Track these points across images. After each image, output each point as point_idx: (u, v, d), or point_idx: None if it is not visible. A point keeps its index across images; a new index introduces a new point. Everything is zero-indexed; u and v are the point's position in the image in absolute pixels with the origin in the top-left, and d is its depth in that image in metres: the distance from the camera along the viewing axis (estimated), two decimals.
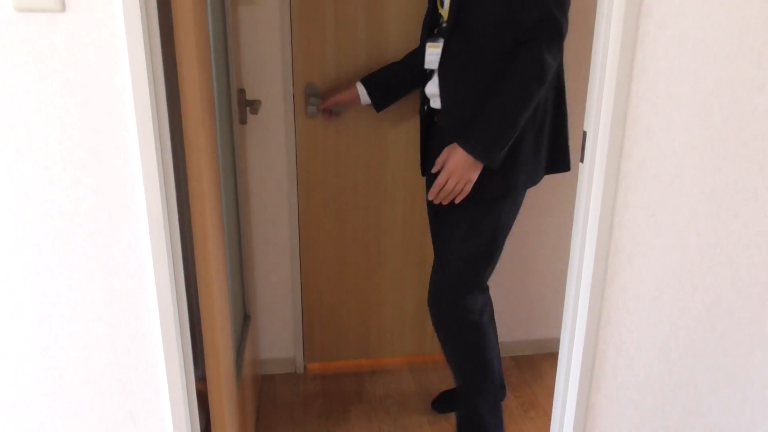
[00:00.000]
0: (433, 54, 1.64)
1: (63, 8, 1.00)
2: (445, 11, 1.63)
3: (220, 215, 1.41)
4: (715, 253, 1.31)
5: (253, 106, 1.93)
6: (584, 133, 1.27)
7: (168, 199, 1.12)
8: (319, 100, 2.02)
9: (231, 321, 1.55)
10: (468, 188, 1.58)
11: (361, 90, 1.93)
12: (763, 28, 1.17)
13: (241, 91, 1.87)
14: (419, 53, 1.79)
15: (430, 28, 1.70)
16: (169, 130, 1.09)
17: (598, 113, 1.21)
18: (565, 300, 1.37)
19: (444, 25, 1.63)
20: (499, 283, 2.41)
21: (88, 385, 1.20)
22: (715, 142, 1.23)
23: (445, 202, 1.62)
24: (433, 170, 1.62)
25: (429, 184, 1.80)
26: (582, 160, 1.30)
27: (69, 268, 1.12)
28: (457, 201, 1.61)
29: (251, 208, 2.17)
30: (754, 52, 1.18)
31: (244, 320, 2.04)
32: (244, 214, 1.95)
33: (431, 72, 1.68)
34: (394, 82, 1.93)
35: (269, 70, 2.04)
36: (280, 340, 2.35)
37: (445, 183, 1.58)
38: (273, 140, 2.10)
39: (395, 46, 2.05)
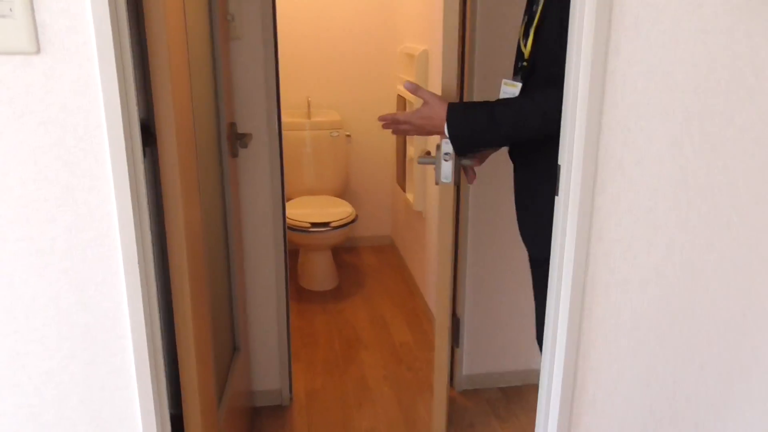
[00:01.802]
0: (507, 93, 1.57)
1: (38, 50, 1.01)
2: (526, 50, 1.55)
3: (200, 250, 1.41)
4: (693, 284, 1.32)
5: (243, 139, 1.95)
6: (558, 167, 1.29)
7: (143, 238, 1.12)
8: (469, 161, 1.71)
9: (213, 354, 1.54)
10: (405, 130, 1.55)
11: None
12: (729, 62, 1.19)
13: (232, 125, 1.89)
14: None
15: (515, 62, 1.60)
16: (143, 168, 1.11)
17: (571, 147, 1.23)
18: (545, 332, 1.37)
19: (523, 65, 1.55)
20: (486, 314, 2.40)
21: (62, 422, 1.19)
22: (688, 174, 1.25)
23: (384, 128, 1.59)
24: (409, 90, 1.56)
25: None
26: (557, 194, 1.31)
27: (43, 306, 1.13)
28: (388, 129, 1.53)
29: (244, 241, 2.18)
30: (721, 85, 1.20)
31: (232, 353, 2.03)
32: (235, 247, 1.95)
33: None
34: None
35: (258, 104, 2.06)
36: (266, 372, 2.34)
37: (404, 120, 1.54)
38: (260, 173, 2.12)
39: None
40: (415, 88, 1.55)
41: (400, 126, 1.57)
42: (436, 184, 1.70)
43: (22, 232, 1.09)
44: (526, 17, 1.56)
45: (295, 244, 3.51)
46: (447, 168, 1.65)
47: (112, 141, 1.05)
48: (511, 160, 1.64)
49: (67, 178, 1.07)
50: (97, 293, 1.13)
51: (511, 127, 1.47)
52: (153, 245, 1.15)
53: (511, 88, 1.55)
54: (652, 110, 1.20)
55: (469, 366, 2.48)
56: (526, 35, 1.54)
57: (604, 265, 1.28)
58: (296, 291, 3.57)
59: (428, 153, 1.80)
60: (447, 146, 1.58)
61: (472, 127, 1.50)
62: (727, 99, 1.21)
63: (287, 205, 3.63)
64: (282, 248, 2.21)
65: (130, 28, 1.06)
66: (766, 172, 1.28)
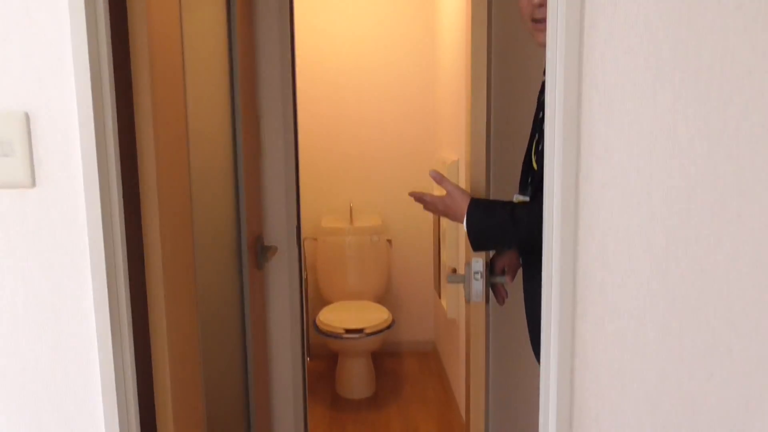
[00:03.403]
0: None
1: (33, 184, 1.11)
2: (536, 166, 1.57)
3: (198, 384, 1.44)
4: (690, 416, 1.22)
5: (268, 252, 2.00)
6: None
7: (123, 355, 1.16)
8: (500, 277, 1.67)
9: None
10: (431, 209, 1.60)
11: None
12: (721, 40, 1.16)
13: (258, 238, 1.96)
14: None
15: (525, 174, 1.63)
16: (127, 289, 1.16)
17: (549, 278, 1.20)
18: (541, 349, 1.29)
19: (533, 180, 1.58)
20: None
21: None
22: (676, 302, 1.19)
23: (416, 200, 1.63)
24: (434, 179, 1.60)
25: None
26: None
27: (26, 425, 1.16)
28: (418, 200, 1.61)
29: (270, 354, 2.19)
30: (706, 199, 1.17)
31: None
32: (256, 360, 1.97)
33: None
34: None
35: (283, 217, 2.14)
36: None
37: (430, 201, 1.59)
38: (280, 286, 2.16)
39: None
40: (440, 179, 1.60)
41: (426, 205, 1.62)
42: (467, 302, 1.68)
43: (10, 349, 1.15)
44: (537, 134, 1.60)
45: (331, 350, 3.50)
46: (478, 286, 1.64)
47: (94, 268, 1.11)
48: (522, 269, 1.63)
49: (53, 301, 1.14)
50: (74, 407, 1.16)
51: (528, 230, 1.48)
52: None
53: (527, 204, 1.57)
54: (632, 236, 1.17)
55: None
56: (536, 151, 1.57)
57: (591, 394, 1.21)
58: (332, 399, 3.51)
59: (454, 270, 1.81)
60: (477, 264, 1.59)
61: (490, 224, 1.53)
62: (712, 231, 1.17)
63: (326, 309, 3.66)
64: (300, 359, 2.21)
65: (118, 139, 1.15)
66: None
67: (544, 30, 1.40)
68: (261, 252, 1.93)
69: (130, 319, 1.17)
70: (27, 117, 1.09)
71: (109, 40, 1.11)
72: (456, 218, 1.57)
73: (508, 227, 1.50)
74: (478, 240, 1.54)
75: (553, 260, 1.19)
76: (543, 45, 1.43)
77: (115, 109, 1.13)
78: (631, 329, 1.20)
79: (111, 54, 1.12)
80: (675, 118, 1.13)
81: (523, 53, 2.00)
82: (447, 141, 3.55)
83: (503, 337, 2.28)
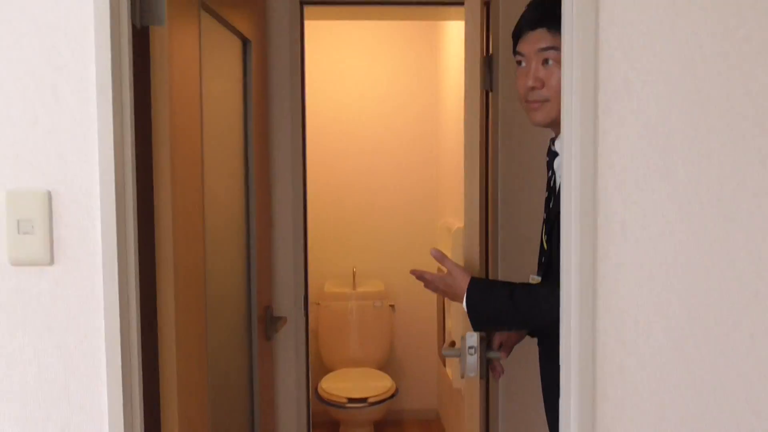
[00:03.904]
0: None
1: (51, 261, 1.11)
2: (546, 244, 1.57)
3: None
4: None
5: (277, 324, 1.98)
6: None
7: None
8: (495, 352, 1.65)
9: None
10: (432, 288, 1.60)
11: None
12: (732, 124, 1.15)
13: (267, 308, 1.94)
14: None
15: (539, 256, 1.63)
16: (140, 371, 1.14)
17: (567, 348, 1.20)
18: None
19: (543, 260, 1.59)
20: None
21: None
22: (695, 378, 1.17)
23: (417, 278, 1.62)
24: (435, 257, 1.59)
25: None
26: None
27: None
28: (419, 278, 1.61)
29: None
30: (723, 278, 1.16)
31: None
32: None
33: None
34: None
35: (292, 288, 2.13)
36: None
37: (430, 280, 1.58)
38: (287, 358, 2.13)
39: None
40: (441, 257, 1.59)
41: (427, 284, 1.61)
42: (462, 377, 1.65)
43: (18, 428, 1.12)
44: (545, 214, 1.62)
45: (333, 418, 3.42)
46: (472, 361, 1.61)
47: (108, 348, 1.10)
48: (538, 349, 1.61)
49: (65, 379, 1.12)
50: None
51: (527, 311, 1.48)
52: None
53: (534, 284, 1.58)
54: (651, 316, 1.17)
55: None
56: (546, 231, 1.58)
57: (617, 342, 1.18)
58: None
59: (453, 343, 1.78)
60: (472, 339, 1.57)
61: (490, 304, 1.52)
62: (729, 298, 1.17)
63: (328, 377, 3.59)
64: (305, 430, 2.16)
65: (136, 214, 1.15)
66: None
67: (537, 110, 1.46)
68: (270, 323, 1.92)
69: (142, 401, 1.15)
70: (49, 196, 1.10)
71: (133, 120, 1.13)
72: (456, 298, 1.56)
73: (507, 309, 1.50)
74: (477, 320, 1.53)
75: (571, 342, 1.18)
76: (538, 124, 1.50)
77: (135, 188, 1.14)
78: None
79: (134, 133, 1.14)
80: (690, 198, 1.15)
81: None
82: (452, 207, 3.58)
83: (517, 412, 2.24)
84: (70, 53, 1.09)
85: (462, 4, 1.66)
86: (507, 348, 1.69)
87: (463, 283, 1.53)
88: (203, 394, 1.38)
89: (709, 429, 1.18)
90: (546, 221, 1.60)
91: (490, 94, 2.13)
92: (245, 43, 1.78)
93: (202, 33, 1.39)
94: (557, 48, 1.31)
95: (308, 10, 2.26)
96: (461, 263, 1.64)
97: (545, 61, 1.42)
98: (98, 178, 1.09)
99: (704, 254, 1.16)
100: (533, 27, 1.43)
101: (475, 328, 1.57)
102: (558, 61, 1.32)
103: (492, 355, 1.65)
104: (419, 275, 1.62)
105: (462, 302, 1.54)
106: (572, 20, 1.11)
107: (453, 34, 3.48)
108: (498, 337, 1.69)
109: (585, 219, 1.15)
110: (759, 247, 1.16)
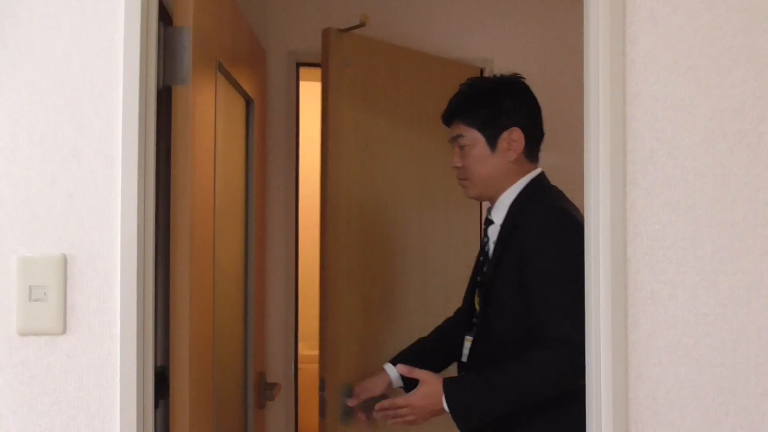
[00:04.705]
0: (467, 348, 1.62)
1: (63, 331, 1.04)
2: (478, 307, 1.62)
3: None
4: None
5: (272, 390, 1.88)
6: None
7: None
8: (348, 399, 1.78)
9: None
10: (409, 421, 1.54)
11: (391, 371, 1.75)
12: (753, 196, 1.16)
13: (261, 374, 1.85)
14: (447, 328, 1.81)
15: (468, 318, 1.67)
16: None
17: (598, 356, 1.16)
18: None
19: (475, 321, 1.62)
20: None
21: None
22: (727, 370, 1.14)
23: (384, 417, 1.60)
24: (403, 373, 1.60)
25: None
26: None
27: None
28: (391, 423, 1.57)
29: None
30: (751, 348, 1.16)
31: None
32: None
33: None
34: (424, 359, 1.77)
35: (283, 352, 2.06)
36: None
37: (403, 404, 1.54)
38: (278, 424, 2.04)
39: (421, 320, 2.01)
40: (409, 370, 1.59)
41: (399, 411, 1.56)
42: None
43: None
44: (478, 276, 1.66)
45: None
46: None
47: (123, 422, 1.02)
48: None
49: None
50: None
51: (512, 392, 1.46)
52: None
53: (467, 343, 1.62)
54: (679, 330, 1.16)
55: None
56: (479, 293, 1.62)
57: None
58: None
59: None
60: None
61: (471, 396, 1.49)
62: (756, 234, 1.17)
63: None
64: None
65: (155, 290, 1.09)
66: None
67: (465, 187, 1.63)
68: (263, 389, 1.83)
69: None
70: (65, 260, 1.04)
71: (155, 184, 1.09)
72: (436, 406, 1.50)
73: (489, 395, 1.47)
74: (463, 417, 1.48)
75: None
76: (471, 197, 1.66)
77: (154, 255, 1.09)
78: None
79: (155, 196, 1.09)
80: (716, 273, 1.15)
81: None
82: None
83: None
84: (95, 113, 1.05)
85: None
86: (361, 399, 1.73)
87: (438, 386, 1.51)
88: None
89: None
90: (479, 284, 1.63)
91: None
92: (248, 102, 1.76)
93: (216, 93, 1.37)
94: (465, 135, 1.57)
95: (303, 71, 2.27)
96: None
97: (461, 147, 1.59)
98: (119, 243, 1.04)
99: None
100: (448, 123, 1.64)
101: (464, 430, 1.52)
102: (469, 145, 1.57)
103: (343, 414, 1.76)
104: (389, 405, 1.58)
105: (442, 406, 1.49)
106: (597, 94, 1.12)
107: None
108: (363, 390, 1.74)
109: (616, 287, 1.14)
110: None
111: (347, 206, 1.93)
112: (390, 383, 1.76)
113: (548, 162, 1.70)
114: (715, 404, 1.16)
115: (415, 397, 1.53)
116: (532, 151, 1.61)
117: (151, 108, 1.07)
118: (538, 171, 1.62)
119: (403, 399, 1.57)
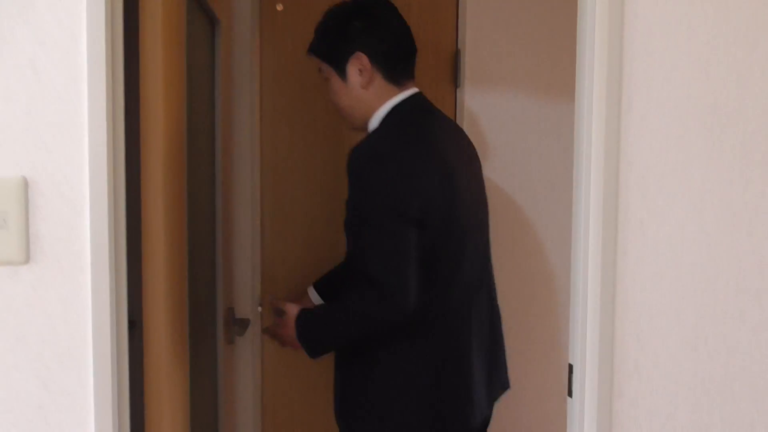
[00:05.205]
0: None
1: (27, 260, 0.95)
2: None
3: None
4: None
5: (241, 326, 1.84)
6: (570, 366, 1.23)
7: None
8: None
9: None
10: (282, 343, 1.60)
11: (312, 294, 1.82)
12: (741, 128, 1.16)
13: (230, 310, 1.80)
14: None
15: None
16: (128, 394, 1.01)
17: (583, 348, 1.17)
18: None
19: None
20: None
21: None
22: (706, 382, 1.19)
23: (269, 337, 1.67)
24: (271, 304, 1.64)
25: None
26: (570, 395, 1.23)
27: None
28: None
29: None
30: (732, 277, 1.18)
31: None
32: None
33: None
34: (339, 281, 1.82)
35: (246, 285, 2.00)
36: None
37: (272, 333, 1.62)
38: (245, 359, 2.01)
39: None
40: (278, 302, 1.61)
41: (276, 334, 1.60)
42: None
43: None
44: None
45: None
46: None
47: (97, 360, 0.96)
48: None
49: (41, 397, 0.97)
50: None
51: (344, 326, 1.45)
52: None
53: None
54: (663, 312, 1.17)
55: None
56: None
57: None
58: None
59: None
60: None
61: (312, 328, 1.50)
62: (736, 297, 1.19)
63: None
64: None
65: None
66: None
67: (344, 119, 1.55)
68: (232, 325, 1.78)
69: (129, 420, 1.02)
70: (26, 183, 0.95)
71: (124, 102, 1.00)
72: (291, 338, 1.52)
73: (329, 328, 1.48)
74: (310, 347, 1.48)
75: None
76: (350, 129, 1.57)
77: (125, 180, 1.00)
78: None
79: (124, 116, 1.00)
80: (703, 201, 1.15)
81: None
82: None
83: None
84: (56, 24, 0.94)
85: None
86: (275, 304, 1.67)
87: (294, 317, 1.52)
88: (185, 411, 1.25)
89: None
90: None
91: (457, 89, 2.12)
92: (214, 22, 1.64)
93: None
94: (322, 68, 1.50)
95: None
96: None
97: (326, 80, 1.52)
98: (87, 167, 0.95)
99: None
100: (308, 53, 1.55)
101: (312, 356, 1.51)
102: (328, 78, 1.50)
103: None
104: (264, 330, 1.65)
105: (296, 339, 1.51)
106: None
107: None
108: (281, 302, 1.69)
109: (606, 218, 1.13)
110: None
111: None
112: (310, 303, 1.79)
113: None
114: (695, 331, 1.18)
115: (277, 327, 1.59)
116: (392, 73, 1.46)
117: (118, 15, 0.96)
118: (406, 93, 1.47)
119: (271, 327, 1.64)
